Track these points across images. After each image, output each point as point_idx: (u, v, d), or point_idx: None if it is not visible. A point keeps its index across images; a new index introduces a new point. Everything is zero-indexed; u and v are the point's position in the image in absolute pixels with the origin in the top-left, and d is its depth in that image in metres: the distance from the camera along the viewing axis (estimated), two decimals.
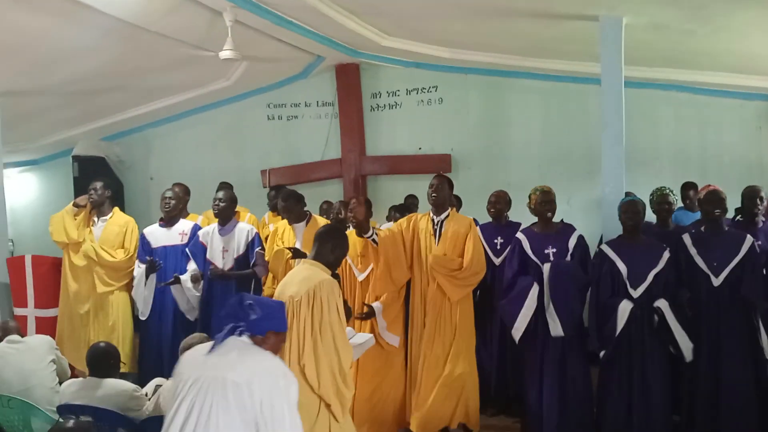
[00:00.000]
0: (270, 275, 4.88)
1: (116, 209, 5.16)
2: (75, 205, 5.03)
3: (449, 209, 4.21)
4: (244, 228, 4.64)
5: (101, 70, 5.65)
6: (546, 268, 3.83)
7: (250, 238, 4.58)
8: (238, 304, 2.17)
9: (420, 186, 5.30)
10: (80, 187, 7.19)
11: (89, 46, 5.03)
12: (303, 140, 7.40)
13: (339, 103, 7.14)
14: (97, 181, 5.02)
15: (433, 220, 4.17)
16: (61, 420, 2.46)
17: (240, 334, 2.11)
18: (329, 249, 2.96)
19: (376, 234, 4.13)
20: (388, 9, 5.27)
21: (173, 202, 4.83)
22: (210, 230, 4.68)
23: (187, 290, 4.60)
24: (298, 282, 2.83)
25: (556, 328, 3.71)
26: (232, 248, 4.57)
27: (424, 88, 6.96)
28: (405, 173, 6.98)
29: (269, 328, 2.17)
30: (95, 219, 5.02)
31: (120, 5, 4.29)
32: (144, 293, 4.73)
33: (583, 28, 4.64)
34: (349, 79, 7.01)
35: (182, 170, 7.15)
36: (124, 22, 4.48)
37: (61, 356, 3.75)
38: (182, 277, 4.58)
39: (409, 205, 5.82)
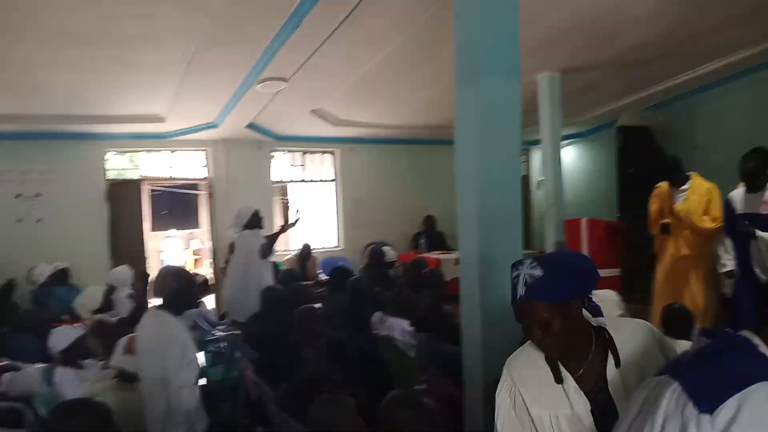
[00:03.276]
0: None
1: (694, 175, 5.13)
2: None
3: None
4: None
5: (654, 39, 5.66)
6: None
7: None
8: None
9: None
10: (625, 157, 7.45)
11: (648, 15, 5.08)
12: None
13: None
14: None
15: None
16: None
17: None
18: None
19: None
20: None
21: None
22: None
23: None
24: None
25: None
26: None
27: None
28: None
29: None
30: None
31: None
32: None
33: None
34: None
35: (730, 137, 6.61)
36: None
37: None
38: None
39: None
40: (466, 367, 3.19)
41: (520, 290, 1.59)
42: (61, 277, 6.88)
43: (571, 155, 9.80)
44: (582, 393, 1.61)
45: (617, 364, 1.61)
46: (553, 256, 1.81)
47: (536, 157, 10.29)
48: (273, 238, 5.79)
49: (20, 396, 3.92)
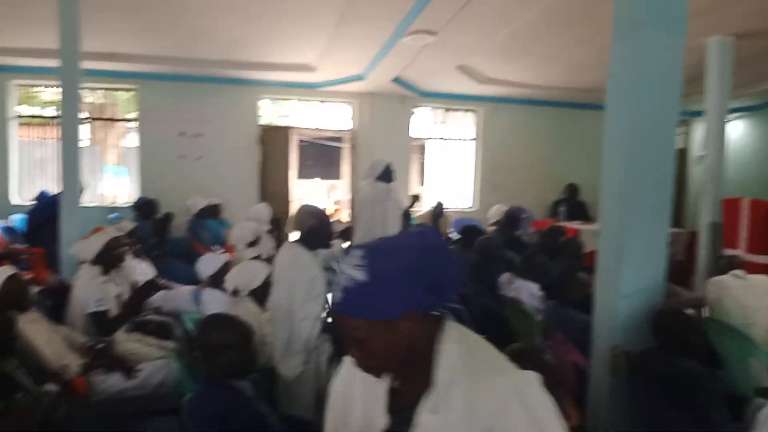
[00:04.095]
0: None
1: None
2: None
3: None
4: None
5: None
6: None
7: None
8: None
9: None
10: None
11: None
12: None
13: None
14: None
15: None
16: None
17: None
18: None
19: None
20: None
21: None
22: None
23: None
24: None
25: None
26: None
27: None
28: None
29: None
30: None
31: None
32: None
33: None
34: None
35: None
36: None
37: None
38: None
39: None
40: (596, 337, 3.09)
41: (336, 295, 1.19)
42: (213, 210, 7.47)
43: (737, 130, 8.89)
44: (385, 409, 1.29)
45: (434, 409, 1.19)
46: (390, 251, 1.20)
47: (698, 130, 9.46)
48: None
49: (171, 312, 4.44)
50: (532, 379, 1.20)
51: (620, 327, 2.94)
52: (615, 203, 2.98)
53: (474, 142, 9.99)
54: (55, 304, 4.26)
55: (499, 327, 4.02)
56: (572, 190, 9.56)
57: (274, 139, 8.91)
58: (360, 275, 1.15)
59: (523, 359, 2.15)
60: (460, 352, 1.20)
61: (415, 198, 8.47)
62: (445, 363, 1.20)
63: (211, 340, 2.33)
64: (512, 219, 6.79)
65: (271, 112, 9.39)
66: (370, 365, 1.24)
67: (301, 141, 13.38)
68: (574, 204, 9.34)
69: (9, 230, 7.12)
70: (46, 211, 5.69)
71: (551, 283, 4.04)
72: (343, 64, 7.50)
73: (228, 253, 5.59)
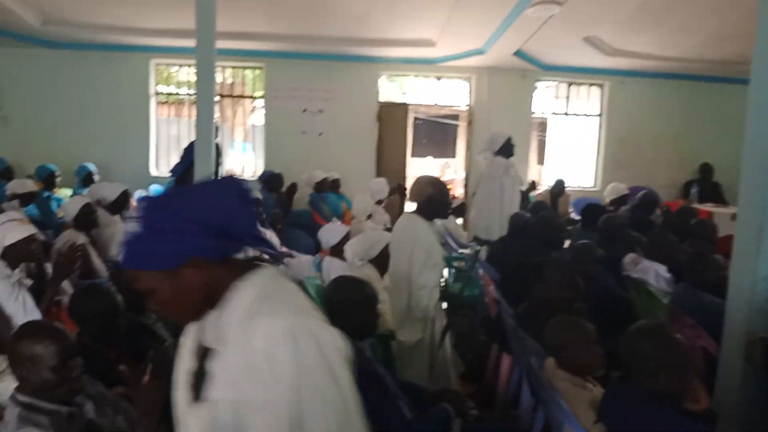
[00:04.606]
0: None
1: None
2: None
3: None
4: None
5: None
6: None
7: None
8: None
9: None
10: None
11: None
12: None
13: None
14: None
15: None
16: None
17: None
18: None
19: None
20: None
21: None
22: None
23: None
24: None
25: None
26: None
27: None
28: None
29: None
30: None
31: None
32: None
33: None
34: None
35: None
36: None
37: None
38: None
39: None
40: (729, 322, 2.89)
41: (122, 250, 1.21)
42: (333, 185, 7.72)
43: None
44: (193, 352, 1.30)
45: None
46: (167, 202, 1.23)
47: None
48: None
49: (294, 279, 4.67)
50: (317, 327, 1.17)
51: (756, 311, 2.73)
52: (756, 181, 2.75)
53: (598, 118, 9.54)
54: None
55: (623, 308, 3.86)
56: (706, 170, 8.91)
57: (391, 116, 9.01)
58: (136, 228, 1.17)
59: (648, 336, 2.07)
60: (249, 294, 1.20)
61: (532, 185, 8.31)
62: (231, 305, 1.20)
63: (338, 299, 2.44)
64: (649, 201, 6.41)
65: (387, 89, 9.50)
66: (171, 314, 1.27)
67: (416, 119, 13.46)
68: (707, 185, 8.70)
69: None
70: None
71: (681, 264, 3.81)
72: (464, 38, 7.41)
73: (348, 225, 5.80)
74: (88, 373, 2.00)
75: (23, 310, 2.98)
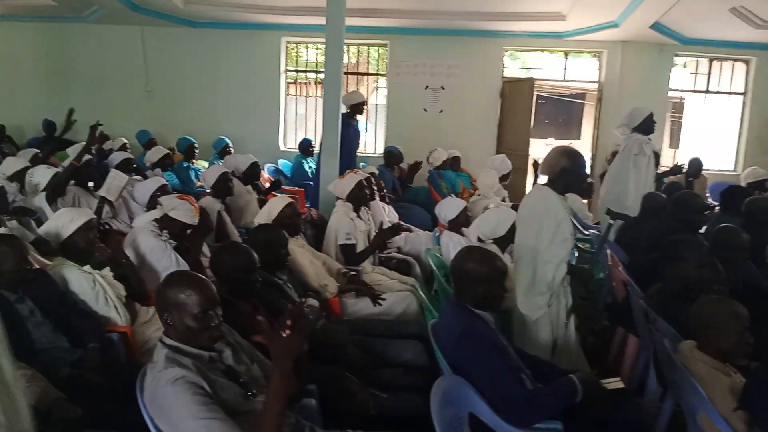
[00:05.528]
0: None
1: None
2: None
3: None
4: None
5: None
6: None
7: None
8: None
9: None
10: None
11: None
12: None
13: None
14: None
15: None
16: None
17: None
18: None
19: None
20: None
21: None
22: None
23: None
24: None
25: None
26: None
27: None
28: None
29: None
30: None
31: None
32: None
33: None
34: None
35: None
36: None
37: None
38: None
39: None
40: None
41: None
42: (453, 162, 7.67)
43: None
44: None
45: None
46: None
47: None
48: None
49: (411, 252, 4.90)
50: None
51: None
52: None
53: (742, 96, 8.74)
54: (315, 235, 4.83)
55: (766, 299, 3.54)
56: None
57: (515, 92, 8.75)
58: None
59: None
60: None
61: (677, 169, 7.76)
62: None
63: (467, 268, 2.44)
64: None
65: (509, 68, 9.25)
66: None
67: (539, 98, 12.98)
68: None
69: (277, 171, 8.18)
70: None
71: None
72: (596, 9, 7.04)
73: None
74: (226, 323, 2.14)
75: (177, 265, 3.33)
